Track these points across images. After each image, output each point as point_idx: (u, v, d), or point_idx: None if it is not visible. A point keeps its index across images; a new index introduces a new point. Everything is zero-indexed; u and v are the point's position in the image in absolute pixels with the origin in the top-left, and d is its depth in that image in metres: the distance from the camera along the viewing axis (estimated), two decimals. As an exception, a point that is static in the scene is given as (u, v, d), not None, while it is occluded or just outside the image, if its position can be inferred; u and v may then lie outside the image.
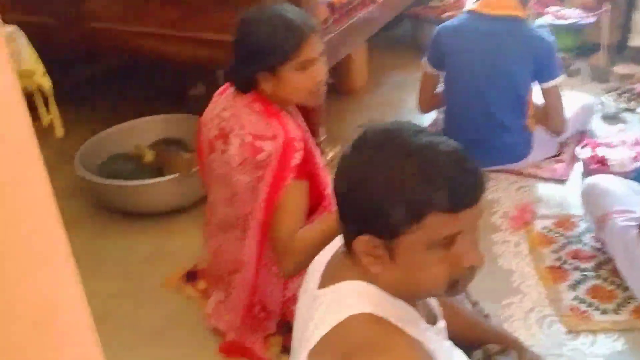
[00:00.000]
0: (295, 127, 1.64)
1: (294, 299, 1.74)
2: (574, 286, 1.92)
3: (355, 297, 0.94)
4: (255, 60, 1.59)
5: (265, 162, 1.58)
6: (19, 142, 0.45)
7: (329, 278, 1.00)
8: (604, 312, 1.81)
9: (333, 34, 2.55)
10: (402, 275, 0.93)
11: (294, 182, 1.58)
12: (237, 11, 1.74)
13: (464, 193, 0.88)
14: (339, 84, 3.29)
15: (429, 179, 0.87)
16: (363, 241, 0.92)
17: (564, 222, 2.19)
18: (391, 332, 0.91)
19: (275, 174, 1.57)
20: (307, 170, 1.63)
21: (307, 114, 1.95)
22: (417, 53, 3.50)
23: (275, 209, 1.58)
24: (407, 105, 3.07)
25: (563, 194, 2.36)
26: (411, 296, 0.97)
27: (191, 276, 2.06)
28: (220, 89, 1.77)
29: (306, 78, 1.60)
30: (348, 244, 0.96)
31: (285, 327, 1.79)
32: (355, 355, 0.87)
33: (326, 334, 0.91)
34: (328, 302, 0.96)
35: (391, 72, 3.56)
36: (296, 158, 1.58)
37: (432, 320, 1.04)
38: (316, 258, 1.10)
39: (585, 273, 1.96)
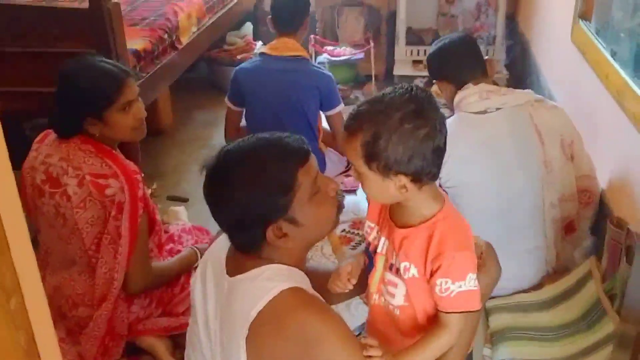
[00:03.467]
0: (129, 162, 1.84)
1: (137, 320, 1.91)
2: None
3: (276, 277, 1.19)
4: (81, 108, 1.78)
5: (114, 197, 1.75)
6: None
7: (236, 269, 1.22)
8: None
9: (142, 80, 2.75)
10: (309, 231, 1.22)
11: (143, 213, 1.79)
12: (50, 65, 1.90)
13: (303, 147, 1.22)
14: (147, 126, 3.45)
15: (282, 157, 1.19)
16: (272, 232, 1.19)
17: (358, 223, 2.64)
18: (312, 295, 1.19)
19: (131, 209, 1.76)
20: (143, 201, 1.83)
21: (126, 154, 2.13)
22: (215, 92, 3.83)
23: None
24: (214, 140, 3.36)
25: (355, 201, 2.82)
26: (316, 242, 1.32)
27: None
28: (39, 137, 1.90)
29: (129, 117, 1.84)
30: (251, 245, 1.22)
31: (131, 349, 1.93)
32: (298, 313, 1.13)
33: (264, 307, 1.14)
34: (253, 285, 1.18)
35: (194, 112, 3.82)
36: (141, 189, 1.80)
37: None
38: (206, 257, 1.34)
39: (378, 261, 2.40)
